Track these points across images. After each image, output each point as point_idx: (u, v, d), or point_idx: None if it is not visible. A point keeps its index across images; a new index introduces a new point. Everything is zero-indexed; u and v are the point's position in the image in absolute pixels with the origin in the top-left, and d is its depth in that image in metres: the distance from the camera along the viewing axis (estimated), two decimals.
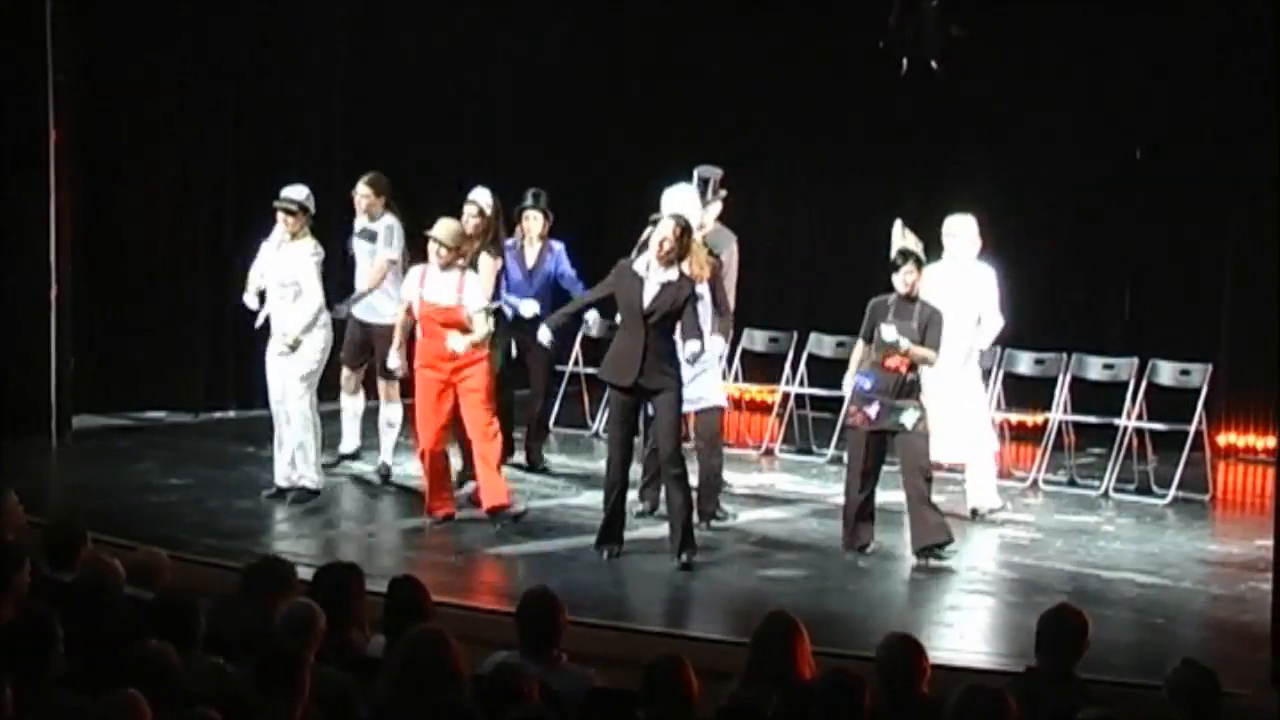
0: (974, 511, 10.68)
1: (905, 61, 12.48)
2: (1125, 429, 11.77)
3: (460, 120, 15.07)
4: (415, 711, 5.42)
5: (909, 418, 9.57)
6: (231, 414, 13.80)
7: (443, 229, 10.00)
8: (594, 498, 10.59)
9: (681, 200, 10.14)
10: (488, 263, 10.72)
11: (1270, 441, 12.73)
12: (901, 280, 9.69)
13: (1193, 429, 11.59)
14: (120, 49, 13.16)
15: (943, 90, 13.06)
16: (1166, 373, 12.03)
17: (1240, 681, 6.81)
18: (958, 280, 10.52)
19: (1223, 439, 12.85)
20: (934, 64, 12.33)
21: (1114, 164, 13.61)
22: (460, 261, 10.03)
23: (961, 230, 10.72)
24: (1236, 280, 13.03)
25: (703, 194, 10.54)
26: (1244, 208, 12.89)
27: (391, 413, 11.23)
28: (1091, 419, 11.97)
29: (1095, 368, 12.13)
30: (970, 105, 13.78)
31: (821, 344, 13.14)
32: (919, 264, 9.72)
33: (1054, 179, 13.38)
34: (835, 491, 11.01)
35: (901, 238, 9.86)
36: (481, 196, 10.90)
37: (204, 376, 13.77)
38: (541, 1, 15.15)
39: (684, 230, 9.44)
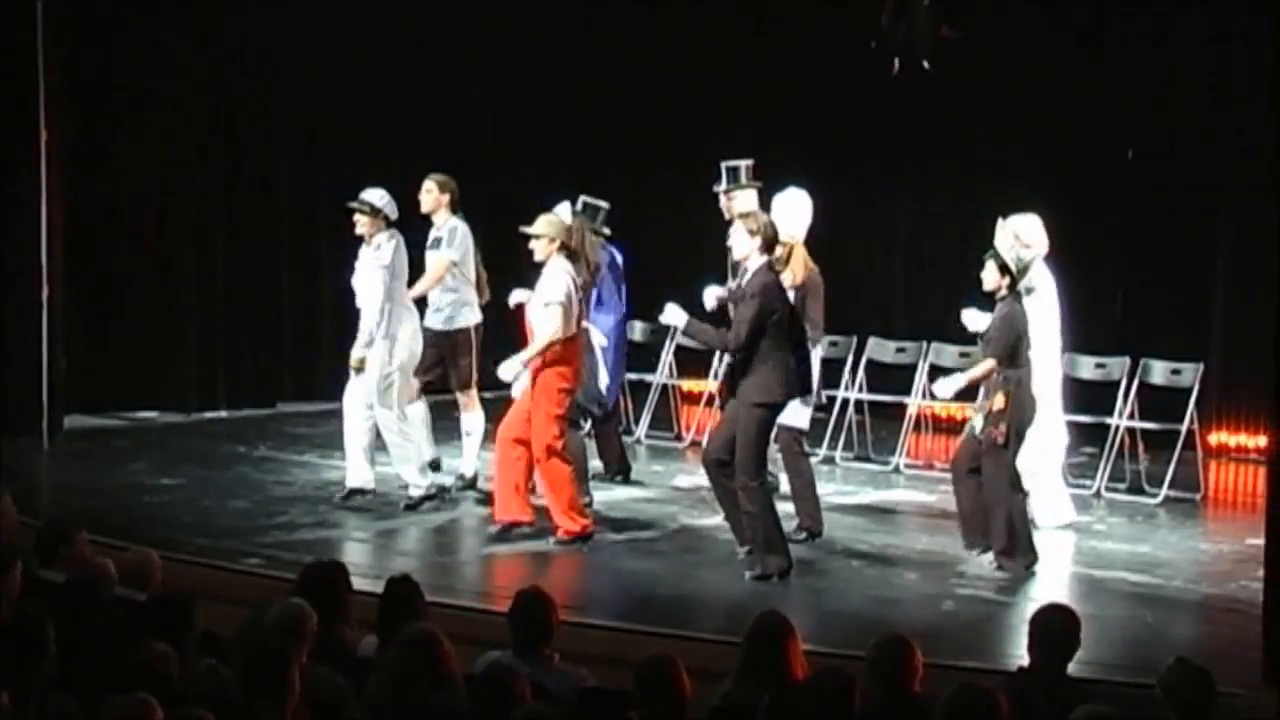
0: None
1: (897, 62, 12.48)
2: (1117, 428, 11.77)
3: (448, 123, 15.13)
4: (409, 712, 5.42)
5: (977, 422, 9.51)
6: (223, 414, 13.84)
7: (539, 224, 9.97)
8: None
9: (782, 207, 10.19)
10: (558, 263, 10.22)
11: (1261, 440, 12.71)
12: (983, 278, 9.58)
13: (1184, 428, 11.60)
14: (111, 50, 13.17)
15: (933, 90, 13.07)
16: (1158, 372, 12.04)
17: (1233, 680, 6.81)
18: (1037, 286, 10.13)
19: (1214, 438, 12.87)
20: (925, 64, 12.33)
21: (1106, 164, 13.63)
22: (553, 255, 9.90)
23: (1024, 232, 10.24)
24: (1228, 280, 13.04)
25: (734, 182, 10.49)
26: (1235, 207, 12.91)
27: (470, 421, 11.05)
28: (1083, 418, 11.95)
29: (1087, 367, 12.12)
30: (960, 107, 13.79)
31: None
32: (999, 264, 9.44)
33: (1045, 180, 13.36)
34: (830, 490, 11.06)
35: (999, 234, 9.63)
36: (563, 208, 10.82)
37: (195, 376, 13.79)
38: (537, 6, 15.22)
39: (744, 225, 9.20)
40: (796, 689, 5.70)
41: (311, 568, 6.88)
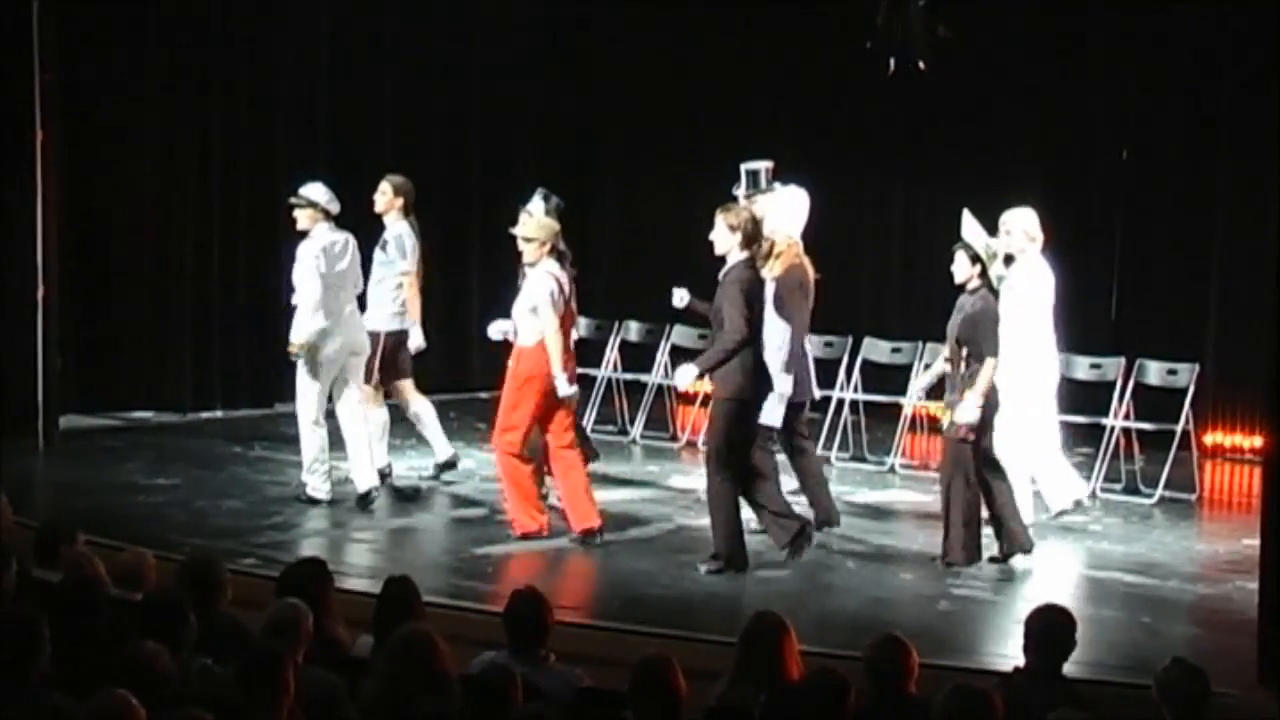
0: (1059, 513, 10.49)
1: (892, 62, 12.48)
2: (1112, 429, 11.78)
3: (444, 124, 15.15)
4: (403, 713, 5.41)
5: (945, 418, 9.50)
6: (218, 414, 13.83)
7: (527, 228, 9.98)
8: None
9: (775, 204, 10.07)
10: (546, 265, 10.15)
11: (1257, 441, 12.73)
12: (954, 270, 9.53)
13: (1179, 429, 11.62)
14: (106, 49, 13.16)
15: (928, 90, 13.07)
16: (1153, 373, 12.06)
17: (1228, 681, 6.80)
18: (1017, 279, 10.10)
19: (1209, 439, 12.89)
20: (921, 64, 12.33)
21: (1100, 164, 13.64)
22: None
23: (1014, 224, 10.30)
24: (1223, 280, 13.06)
25: (755, 187, 10.27)
26: (1231, 207, 12.92)
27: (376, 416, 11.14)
28: (1079, 419, 11.96)
29: (1082, 367, 12.12)
30: (956, 106, 13.80)
31: (811, 343, 13.13)
32: (970, 254, 9.40)
33: (1041, 179, 13.38)
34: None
35: (965, 226, 9.56)
36: (538, 207, 10.84)
37: (190, 376, 13.77)
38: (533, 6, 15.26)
39: (724, 220, 9.18)
40: (792, 689, 5.70)
41: (292, 567, 6.89)
